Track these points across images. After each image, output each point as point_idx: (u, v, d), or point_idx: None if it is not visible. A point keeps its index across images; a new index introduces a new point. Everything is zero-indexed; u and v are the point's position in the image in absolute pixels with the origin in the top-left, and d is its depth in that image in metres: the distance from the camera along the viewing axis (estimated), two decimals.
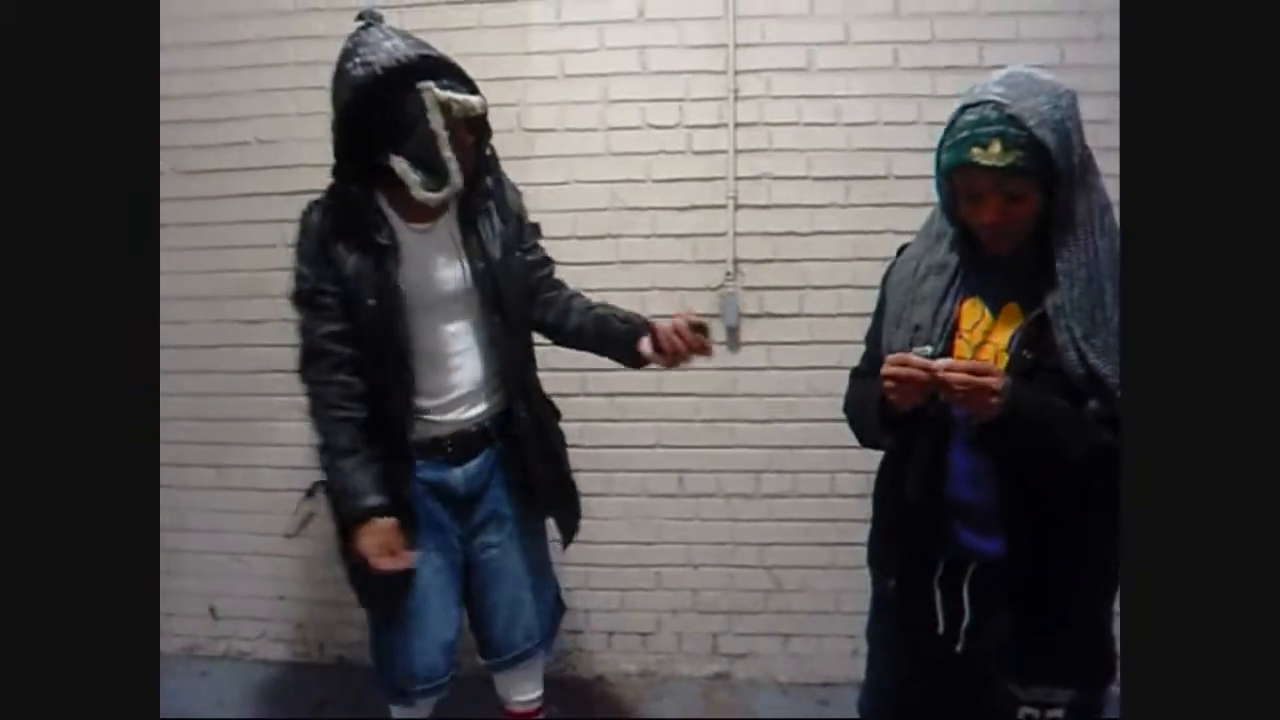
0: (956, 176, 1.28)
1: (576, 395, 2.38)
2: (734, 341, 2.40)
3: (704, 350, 1.63)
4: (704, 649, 2.55)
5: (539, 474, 1.76)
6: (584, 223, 2.38)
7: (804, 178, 2.34)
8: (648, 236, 2.40)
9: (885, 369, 1.27)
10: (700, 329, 1.62)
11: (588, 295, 1.82)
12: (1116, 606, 1.32)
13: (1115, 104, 1.30)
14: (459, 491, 1.70)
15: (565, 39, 2.35)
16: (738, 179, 2.35)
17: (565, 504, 1.88)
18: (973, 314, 1.34)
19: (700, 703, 2.47)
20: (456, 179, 1.54)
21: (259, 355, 2.52)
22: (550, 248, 1.85)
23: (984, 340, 1.32)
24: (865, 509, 1.57)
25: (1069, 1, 2.23)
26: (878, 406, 1.35)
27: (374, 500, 1.56)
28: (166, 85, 2.39)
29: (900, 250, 1.47)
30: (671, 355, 1.63)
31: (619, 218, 2.40)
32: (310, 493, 1.74)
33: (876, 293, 1.49)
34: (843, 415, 1.53)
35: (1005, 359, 1.30)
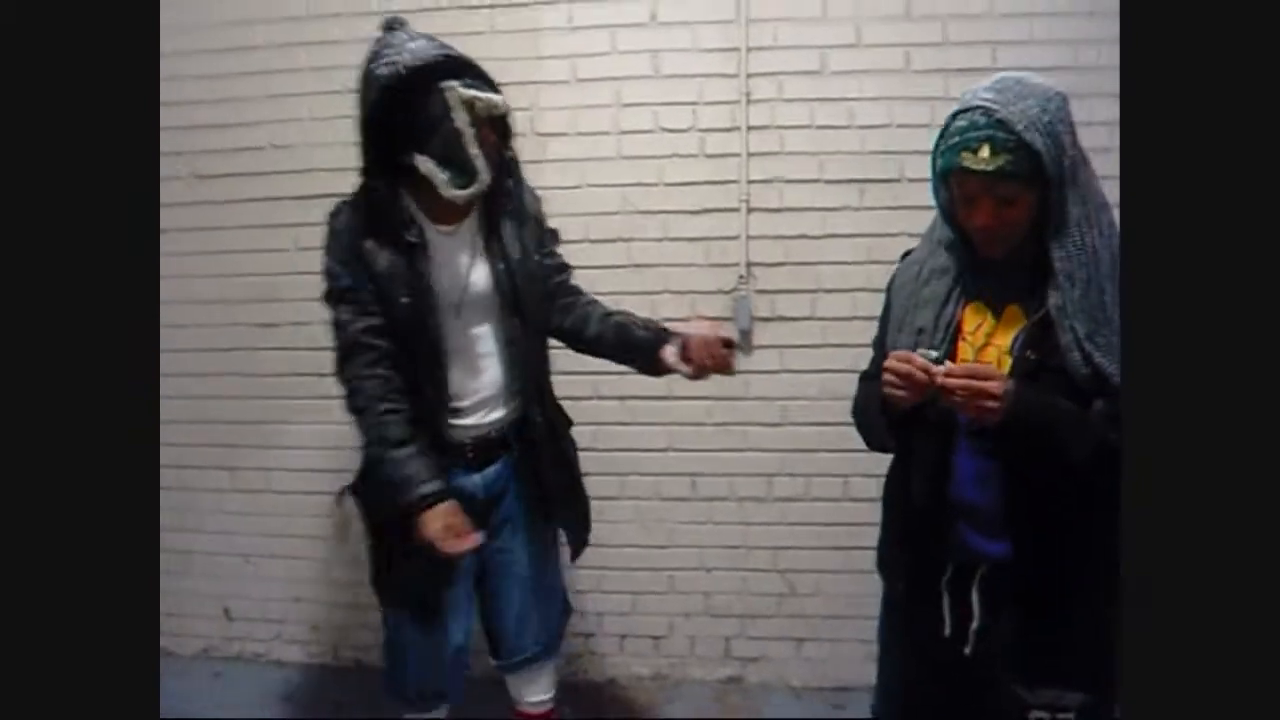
0: (951, 181, 1.29)
1: (589, 399, 2.38)
2: (746, 345, 2.39)
3: (729, 369, 1.63)
4: (717, 652, 2.54)
5: (552, 480, 1.76)
6: (596, 226, 2.38)
7: (816, 181, 2.33)
8: (660, 240, 2.39)
9: (886, 364, 1.28)
10: (730, 345, 1.62)
11: (601, 300, 1.82)
12: None
13: None
14: (478, 497, 1.70)
15: (577, 43, 2.35)
16: (750, 182, 2.34)
17: (575, 511, 1.87)
18: (976, 317, 1.35)
19: (713, 706, 2.47)
20: (485, 175, 1.54)
21: (272, 359, 2.54)
22: (563, 252, 1.84)
23: (987, 342, 1.33)
24: (878, 513, 1.56)
25: (1081, 3, 2.22)
26: (880, 407, 1.35)
27: (435, 485, 1.54)
28: (180, 91, 2.42)
29: (904, 255, 1.48)
30: (699, 367, 1.62)
31: (631, 221, 2.39)
32: (341, 496, 1.73)
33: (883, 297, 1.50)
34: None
35: (1008, 361, 1.30)
